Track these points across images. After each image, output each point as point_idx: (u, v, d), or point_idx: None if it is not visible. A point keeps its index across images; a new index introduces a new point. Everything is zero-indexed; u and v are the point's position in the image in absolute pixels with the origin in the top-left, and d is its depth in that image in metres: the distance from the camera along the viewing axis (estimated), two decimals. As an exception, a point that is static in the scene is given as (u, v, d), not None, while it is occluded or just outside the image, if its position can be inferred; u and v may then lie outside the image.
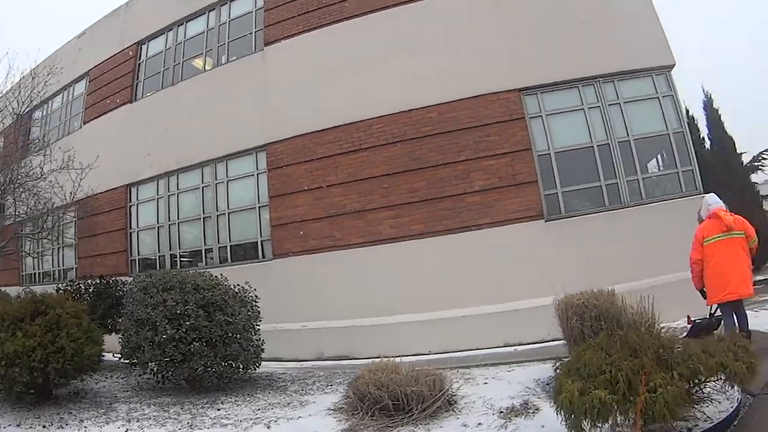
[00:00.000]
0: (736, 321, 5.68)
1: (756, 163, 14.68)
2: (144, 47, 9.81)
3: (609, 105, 8.19)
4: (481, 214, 7.96)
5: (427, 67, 8.43)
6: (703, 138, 12.42)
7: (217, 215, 8.67)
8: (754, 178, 14.89)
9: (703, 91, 12.70)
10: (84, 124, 10.22)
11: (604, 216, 8.14)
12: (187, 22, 9.41)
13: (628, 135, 8.17)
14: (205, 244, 8.73)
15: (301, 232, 8.30)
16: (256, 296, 6.64)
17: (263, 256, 8.44)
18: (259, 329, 6.51)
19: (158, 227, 9.06)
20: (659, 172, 8.65)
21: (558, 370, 4.15)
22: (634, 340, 3.52)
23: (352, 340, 8.28)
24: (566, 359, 4.39)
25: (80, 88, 10.35)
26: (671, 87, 8.60)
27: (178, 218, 8.93)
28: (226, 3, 9.27)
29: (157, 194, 9.10)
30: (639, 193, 8.15)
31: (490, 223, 8.08)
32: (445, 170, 8.01)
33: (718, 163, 11.96)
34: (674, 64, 8.55)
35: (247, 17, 9.02)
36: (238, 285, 6.47)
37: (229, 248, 8.68)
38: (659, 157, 8.68)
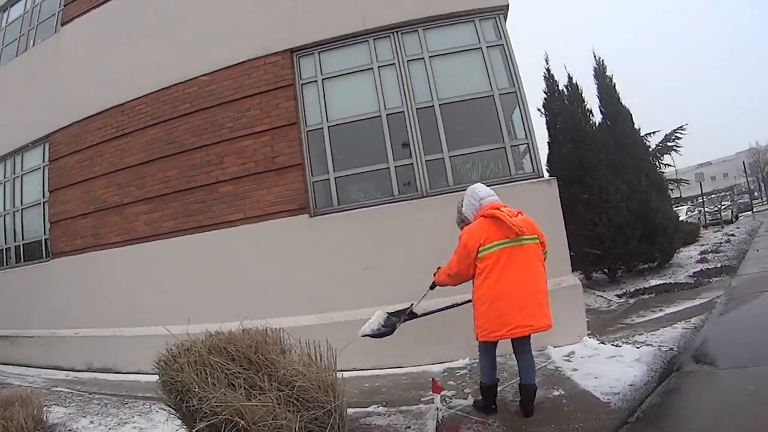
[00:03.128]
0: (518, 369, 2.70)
1: (669, 143, 8.88)
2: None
3: (409, 61, 3.93)
4: (234, 208, 4.64)
5: (195, 34, 5.12)
6: (590, 110, 7.68)
7: (14, 212, 5.39)
8: (668, 159, 9.26)
9: (594, 56, 7.52)
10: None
11: (391, 209, 4.45)
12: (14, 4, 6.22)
13: (432, 99, 3.56)
14: (5, 242, 5.47)
15: (72, 230, 4.96)
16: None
17: (46, 256, 4.96)
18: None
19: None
20: (475, 148, 4.45)
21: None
22: None
23: (117, 351, 5.17)
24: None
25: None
26: (501, 35, 4.63)
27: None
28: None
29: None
30: (445, 177, 3.53)
31: (244, 219, 4.80)
32: (199, 154, 4.29)
33: (608, 140, 6.68)
34: (507, 5, 4.76)
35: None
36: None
37: (22, 247, 5.45)
38: (483, 128, 4.05)
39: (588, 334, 3.95)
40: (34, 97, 5.97)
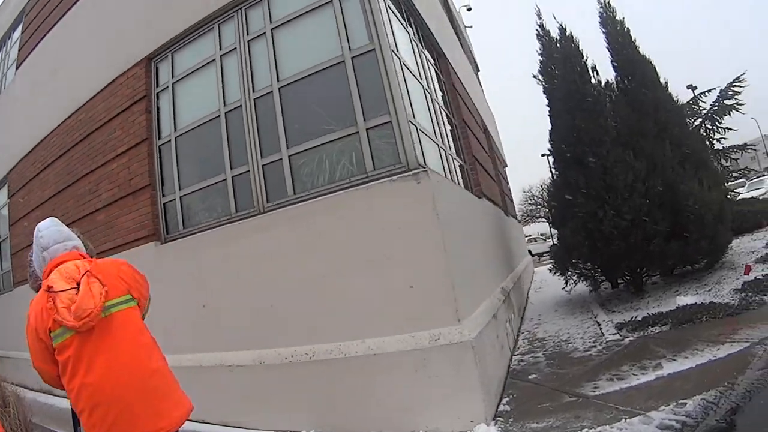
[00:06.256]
0: None
1: (727, 101, 6.13)
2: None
3: (251, 40, 3.09)
4: (106, 237, 4.65)
5: (81, 61, 5.10)
6: (593, 67, 5.47)
7: (-1, 244, 6.30)
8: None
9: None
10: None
11: (223, 232, 3.74)
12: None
13: (272, 83, 2.83)
14: (-6, 274, 6.48)
15: (22, 261, 5.24)
16: None
17: (13, 285, 5.65)
18: None
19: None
20: (319, 139, 3.40)
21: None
22: None
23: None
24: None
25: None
26: (358, -21, 3.67)
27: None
28: (10, 32, 7.31)
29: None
30: (283, 185, 3.28)
31: (113, 248, 4.48)
32: (84, 183, 4.46)
33: (621, 102, 5.38)
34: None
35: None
36: None
37: (1, 277, 6.13)
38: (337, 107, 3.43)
39: (497, 417, 2.72)
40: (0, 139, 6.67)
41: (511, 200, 11.73)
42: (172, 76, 4.17)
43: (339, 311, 2.99)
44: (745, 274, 4.39)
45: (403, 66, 3.40)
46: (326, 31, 3.39)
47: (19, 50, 6.63)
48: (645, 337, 3.79)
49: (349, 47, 3.25)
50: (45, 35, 5.92)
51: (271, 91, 3.52)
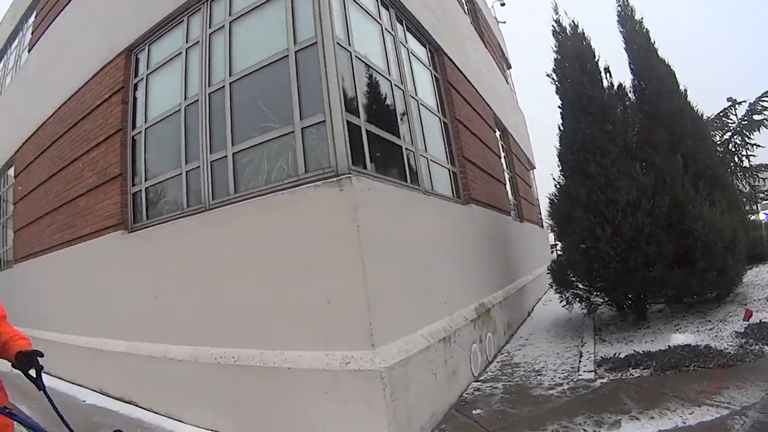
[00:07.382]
0: None
1: (755, 116, 5.41)
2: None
3: (212, 33, 3.47)
4: (86, 221, 4.81)
5: (81, 47, 5.22)
6: (606, 68, 4.97)
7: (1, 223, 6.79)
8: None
9: (616, -4, 5.00)
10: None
11: (174, 227, 3.78)
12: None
13: (224, 78, 3.60)
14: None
15: (20, 239, 6.24)
16: None
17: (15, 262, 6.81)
18: None
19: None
20: (259, 138, 3.29)
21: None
22: None
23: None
24: None
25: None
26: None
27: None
28: (26, 16, 7.66)
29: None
30: (227, 183, 3.45)
31: (90, 233, 4.70)
32: (72, 168, 5.23)
33: (636, 111, 5.02)
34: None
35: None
36: None
37: (6, 253, 7.34)
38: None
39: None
40: (10, 119, 7.08)
41: (534, 204, 11.00)
42: (147, 68, 4.29)
43: (264, 318, 2.97)
44: (745, 320, 3.92)
45: (356, 59, 3.26)
46: (278, 24, 3.31)
47: (31, 34, 7.06)
48: (620, 380, 3.45)
49: (295, 41, 3.18)
50: (52, 21, 6.24)
51: (224, 86, 3.52)
